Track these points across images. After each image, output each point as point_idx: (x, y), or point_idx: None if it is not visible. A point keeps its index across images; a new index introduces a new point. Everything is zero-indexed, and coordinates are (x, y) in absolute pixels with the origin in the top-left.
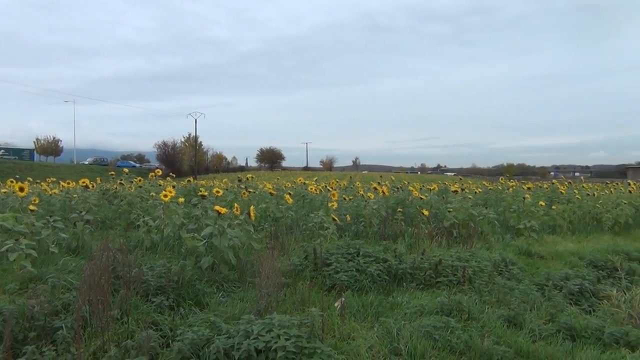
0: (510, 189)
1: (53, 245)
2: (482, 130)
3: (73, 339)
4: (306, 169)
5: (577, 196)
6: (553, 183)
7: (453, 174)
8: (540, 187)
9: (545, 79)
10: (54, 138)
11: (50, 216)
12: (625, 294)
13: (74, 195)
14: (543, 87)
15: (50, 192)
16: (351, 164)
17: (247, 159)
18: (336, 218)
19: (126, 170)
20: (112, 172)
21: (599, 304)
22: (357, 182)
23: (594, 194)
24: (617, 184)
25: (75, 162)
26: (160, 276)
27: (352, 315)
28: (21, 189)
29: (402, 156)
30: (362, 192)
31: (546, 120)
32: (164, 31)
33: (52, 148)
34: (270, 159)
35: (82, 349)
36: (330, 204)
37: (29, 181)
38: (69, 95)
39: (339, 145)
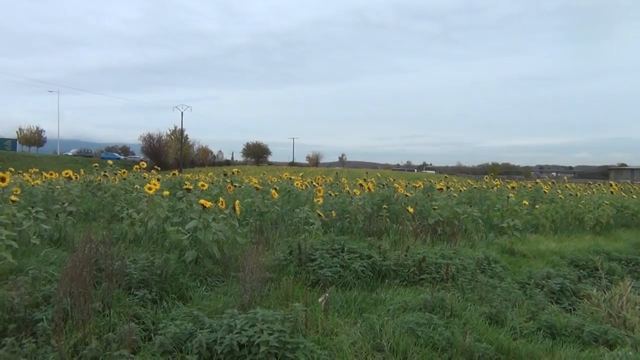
0: (495, 187)
1: (34, 237)
2: (468, 129)
3: (53, 331)
4: (292, 164)
5: (560, 196)
6: (537, 183)
7: (432, 172)
8: (524, 186)
9: (531, 80)
10: (37, 128)
11: (32, 207)
12: (605, 294)
13: (57, 187)
14: (529, 87)
15: (32, 183)
16: (337, 160)
17: (233, 153)
18: (321, 214)
19: (110, 162)
20: (96, 164)
21: (579, 302)
22: (343, 179)
23: (576, 194)
24: (600, 184)
25: (58, 153)
26: (143, 269)
27: (336, 310)
28: (2, 179)
29: (389, 153)
30: (347, 189)
31: (531, 121)
32: (151, 23)
33: (35, 138)
34: (257, 153)
35: (63, 341)
36: (315, 200)
37: (10, 171)
38: (54, 85)
39: (326, 142)
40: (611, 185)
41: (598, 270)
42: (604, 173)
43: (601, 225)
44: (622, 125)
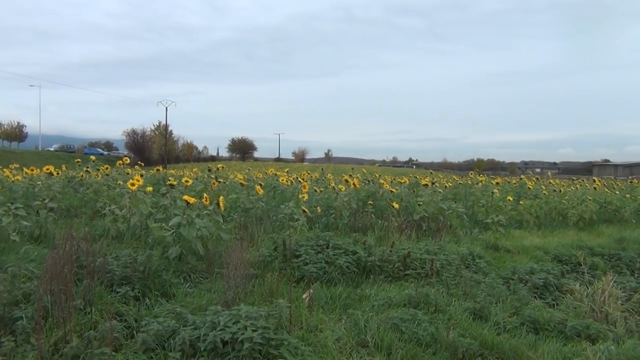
0: (480, 183)
1: (14, 234)
2: (454, 124)
3: (33, 329)
4: (278, 160)
5: (544, 192)
6: (521, 179)
7: (411, 167)
8: (509, 182)
9: (516, 76)
10: (18, 123)
11: (12, 203)
12: (588, 288)
13: (38, 183)
14: (514, 83)
15: (12, 179)
16: (323, 156)
17: (218, 148)
18: (306, 210)
19: (93, 157)
20: (79, 160)
21: (563, 297)
22: (329, 174)
23: (560, 190)
24: (583, 180)
25: (40, 149)
26: (126, 266)
27: (321, 307)
28: None
29: (375, 149)
30: (333, 185)
31: (516, 117)
32: (135, 16)
33: (16, 133)
34: (242, 149)
35: (43, 339)
36: (301, 196)
37: None
38: (35, 79)
39: (312, 137)
40: (594, 181)
41: (581, 265)
42: (587, 169)
43: (584, 221)
44: (606, 121)
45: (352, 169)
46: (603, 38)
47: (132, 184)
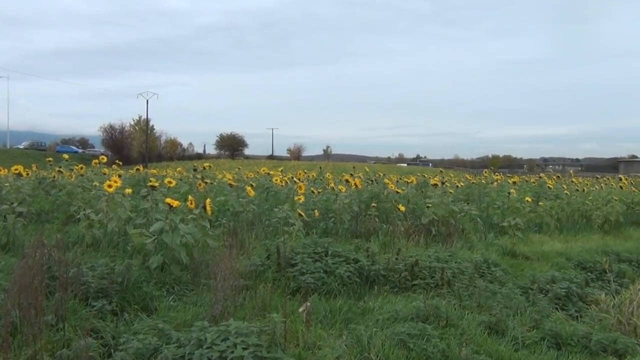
0: (495, 183)
1: None
2: (465, 118)
3: (0, 347)
4: (271, 157)
5: (565, 192)
6: (540, 177)
7: (427, 165)
8: (527, 181)
9: (532, 64)
10: None
11: None
12: (614, 298)
13: (5, 184)
14: (530, 72)
15: None
16: (322, 153)
17: (204, 145)
18: (303, 213)
19: (66, 156)
20: (50, 158)
21: (587, 309)
22: (328, 174)
23: (583, 190)
24: (608, 178)
25: (8, 146)
26: (103, 277)
27: (319, 321)
28: None
29: (379, 145)
30: (332, 185)
31: (534, 109)
32: (112, 0)
33: None
34: (231, 146)
35: (11, 359)
36: (296, 198)
37: None
38: (2, 69)
39: (309, 132)
40: (621, 179)
41: (607, 272)
42: (613, 165)
43: (610, 224)
44: (633, 113)
45: (354, 167)
46: (630, 21)
47: (110, 186)
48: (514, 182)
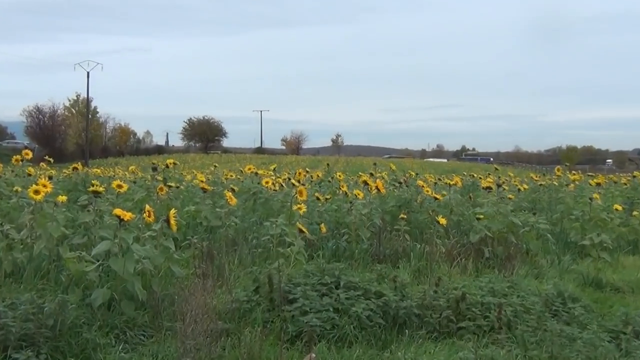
0: (572, 185)
1: None
2: (527, 95)
3: None
4: (260, 151)
5: None
6: (634, 176)
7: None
8: (616, 182)
9: (619, 19)
10: None
11: None
12: None
13: None
14: (616, 29)
15: None
16: (330, 144)
17: (167, 135)
18: (304, 229)
19: None
20: None
21: None
22: (339, 173)
23: None
24: None
25: None
26: (27, 319)
27: None
28: None
29: (407, 133)
30: (345, 189)
31: (624, 82)
32: None
33: None
34: (204, 135)
35: None
36: (295, 207)
37: None
38: None
39: (312, 116)
40: None
41: None
42: None
43: None
44: None
45: (374, 164)
46: None
47: (37, 192)
48: (598, 184)
